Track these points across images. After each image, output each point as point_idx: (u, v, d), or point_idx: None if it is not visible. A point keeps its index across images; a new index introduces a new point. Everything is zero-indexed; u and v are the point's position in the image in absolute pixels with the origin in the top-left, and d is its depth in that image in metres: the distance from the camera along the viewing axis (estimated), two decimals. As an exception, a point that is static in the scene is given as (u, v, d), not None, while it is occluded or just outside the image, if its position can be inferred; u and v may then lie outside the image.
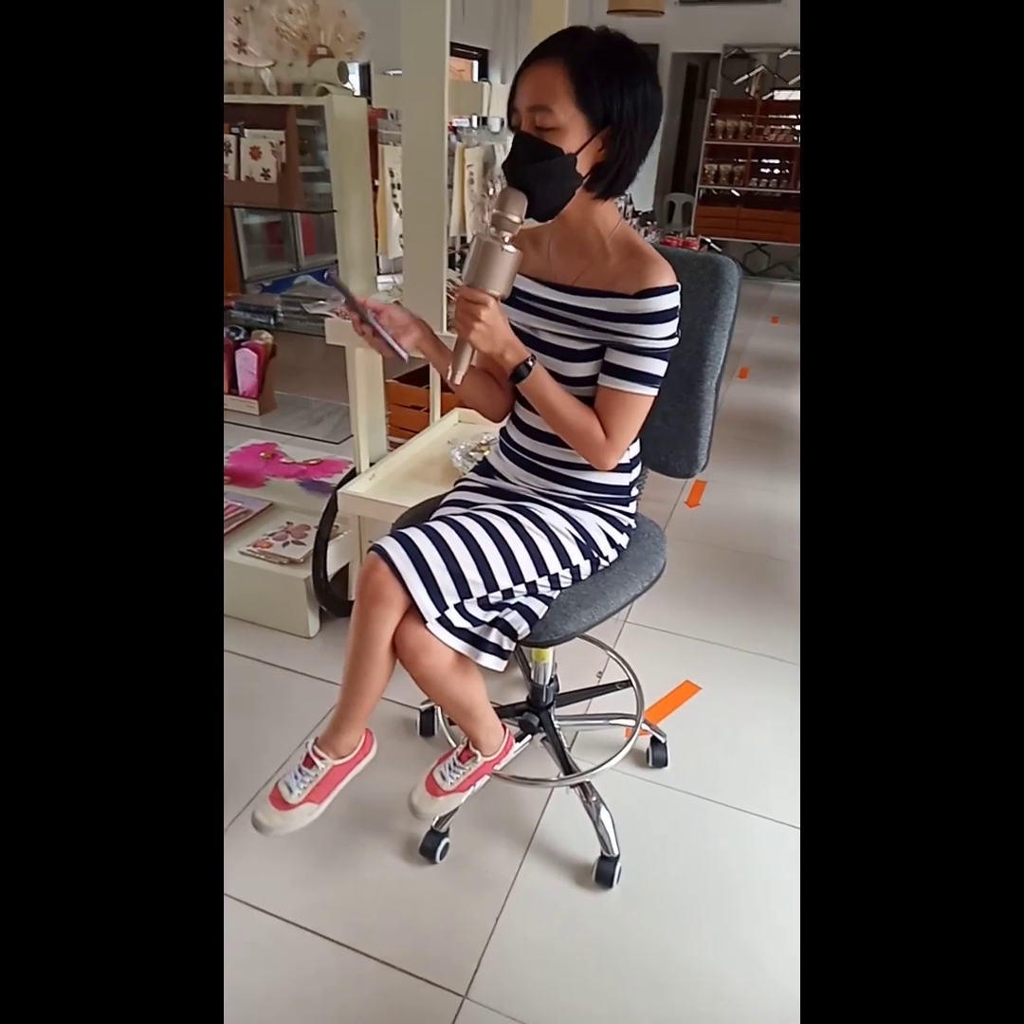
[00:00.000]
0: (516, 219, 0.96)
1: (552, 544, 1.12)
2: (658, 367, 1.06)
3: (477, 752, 1.22)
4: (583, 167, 0.98)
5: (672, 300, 1.03)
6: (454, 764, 1.23)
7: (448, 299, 1.59)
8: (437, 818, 1.34)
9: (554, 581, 1.14)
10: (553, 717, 1.49)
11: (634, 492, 1.24)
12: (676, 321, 1.05)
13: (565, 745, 1.47)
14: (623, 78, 0.94)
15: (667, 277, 1.02)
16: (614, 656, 1.80)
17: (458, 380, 1.02)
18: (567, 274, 1.10)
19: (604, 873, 1.32)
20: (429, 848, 1.35)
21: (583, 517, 1.17)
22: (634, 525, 1.26)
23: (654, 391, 1.07)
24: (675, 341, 1.06)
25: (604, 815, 1.35)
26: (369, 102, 1.62)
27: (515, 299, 1.13)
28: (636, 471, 1.24)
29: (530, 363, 1.03)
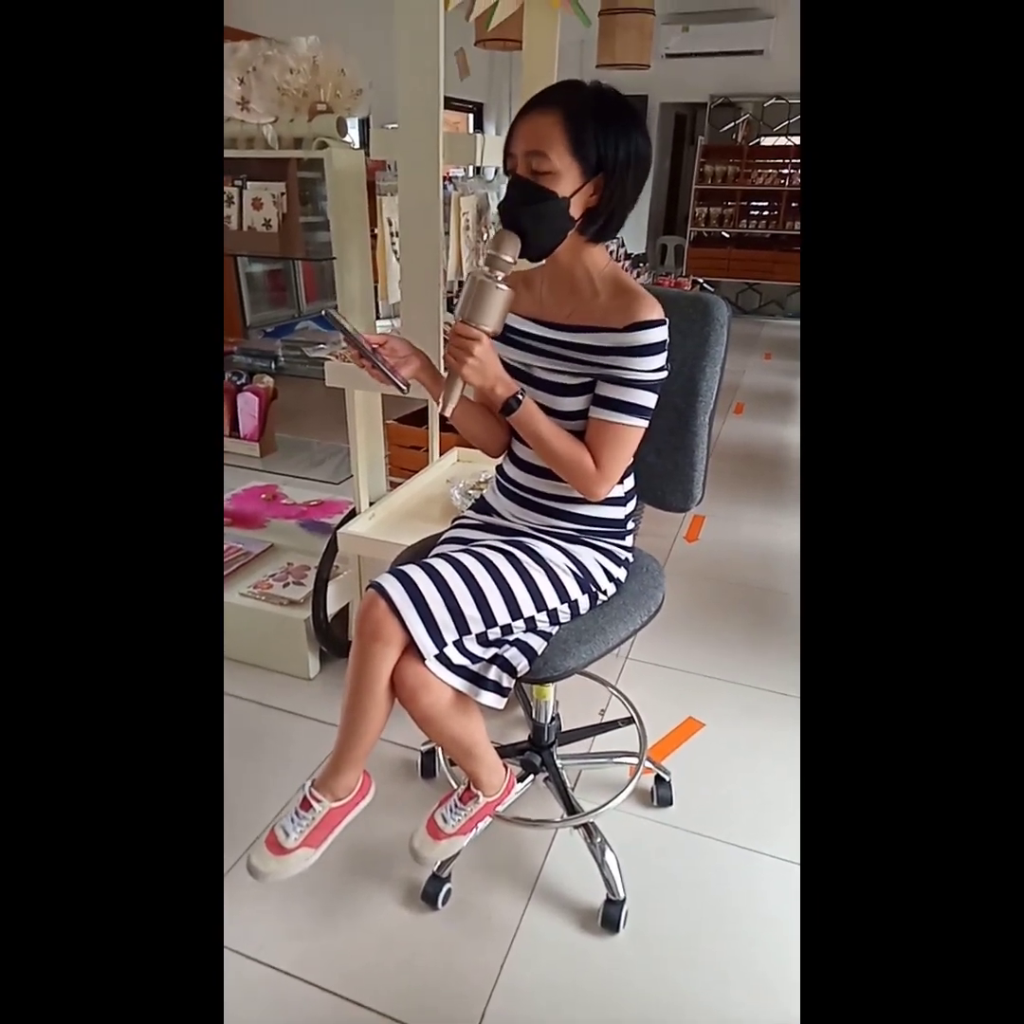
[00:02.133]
0: (509, 259, 1.00)
1: (550, 579, 1.13)
2: (648, 399, 1.08)
3: (478, 793, 1.21)
4: (575, 211, 1.02)
5: (660, 333, 1.05)
6: (455, 806, 1.22)
7: (445, 341, 1.62)
8: (439, 862, 1.31)
9: (553, 617, 1.14)
10: (556, 756, 1.47)
11: (630, 525, 1.25)
12: (665, 355, 1.07)
13: (568, 785, 1.45)
14: (616, 129, 1.00)
15: (655, 311, 1.05)
16: (616, 693, 1.78)
17: (448, 412, 1.05)
18: (558, 313, 1.13)
19: (610, 918, 1.29)
20: (431, 893, 1.32)
21: (580, 552, 1.18)
22: (631, 559, 1.27)
23: (644, 423, 1.09)
24: (664, 374, 1.09)
25: (609, 856, 1.32)
26: (367, 154, 1.68)
27: (508, 337, 1.16)
28: (631, 505, 1.25)
29: (520, 397, 1.06)
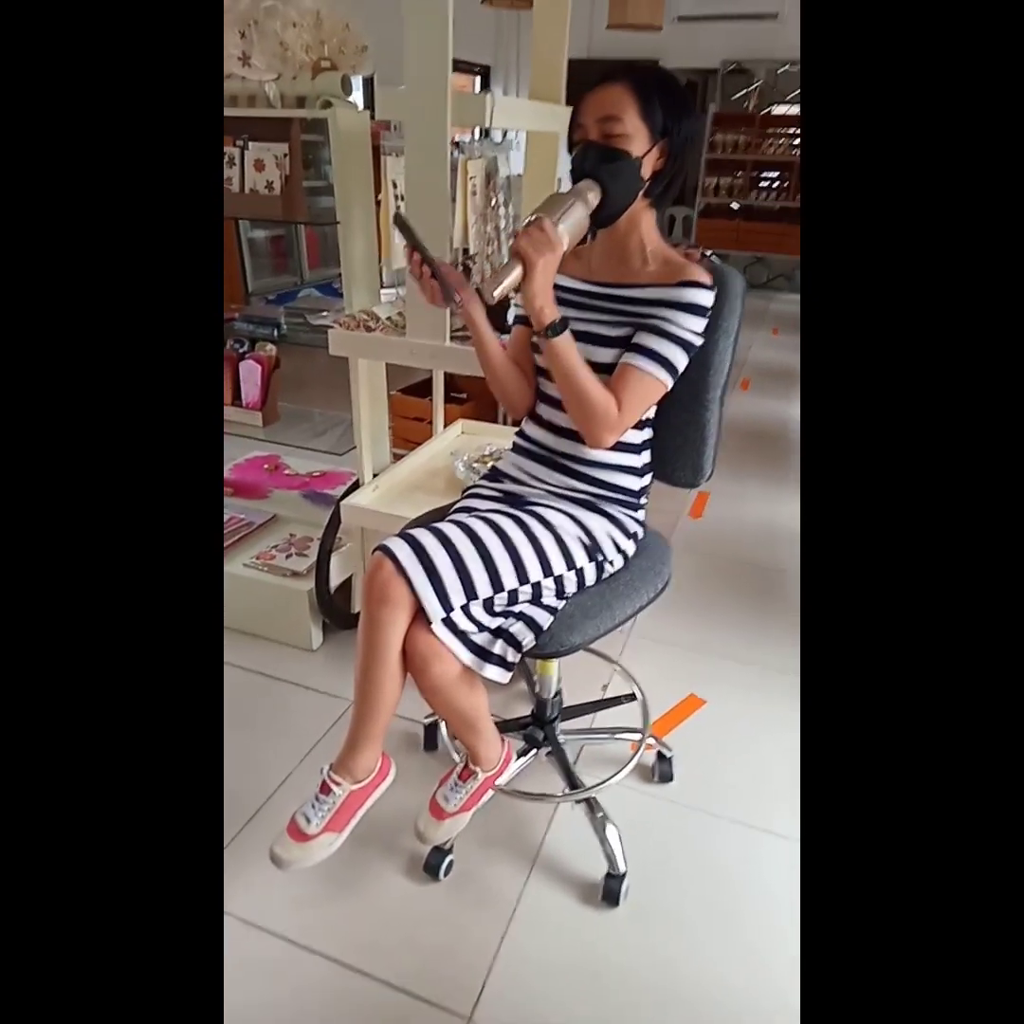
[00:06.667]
0: (593, 198, 1.06)
1: (558, 545, 1.12)
2: (680, 358, 1.10)
3: (476, 769, 1.21)
4: (645, 172, 1.09)
5: (708, 297, 1.09)
6: (455, 784, 1.22)
7: (452, 312, 1.59)
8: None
9: (559, 585, 1.12)
10: (558, 731, 1.47)
11: (643, 499, 1.24)
12: (706, 322, 1.10)
13: (570, 760, 1.45)
14: (675, 98, 1.09)
15: (706, 277, 1.10)
16: (619, 669, 1.78)
17: (493, 301, 1.04)
18: (606, 275, 1.18)
19: (610, 891, 1.29)
20: (433, 865, 1.33)
21: (590, 520, 1.17)
22: (641, 534, 1.25)
23: (670, 381, 1.11)
24: (700, 341, 1.11)
25: (610, 831, 1.33)
26: (372, 115, 1.63)
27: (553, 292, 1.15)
28: (647, 478, 1.24)
29: (566, 321, 1.07)
